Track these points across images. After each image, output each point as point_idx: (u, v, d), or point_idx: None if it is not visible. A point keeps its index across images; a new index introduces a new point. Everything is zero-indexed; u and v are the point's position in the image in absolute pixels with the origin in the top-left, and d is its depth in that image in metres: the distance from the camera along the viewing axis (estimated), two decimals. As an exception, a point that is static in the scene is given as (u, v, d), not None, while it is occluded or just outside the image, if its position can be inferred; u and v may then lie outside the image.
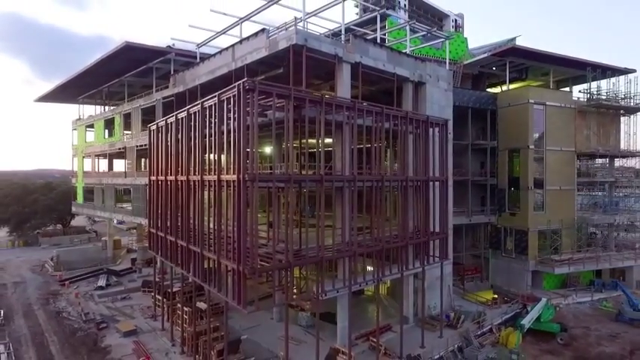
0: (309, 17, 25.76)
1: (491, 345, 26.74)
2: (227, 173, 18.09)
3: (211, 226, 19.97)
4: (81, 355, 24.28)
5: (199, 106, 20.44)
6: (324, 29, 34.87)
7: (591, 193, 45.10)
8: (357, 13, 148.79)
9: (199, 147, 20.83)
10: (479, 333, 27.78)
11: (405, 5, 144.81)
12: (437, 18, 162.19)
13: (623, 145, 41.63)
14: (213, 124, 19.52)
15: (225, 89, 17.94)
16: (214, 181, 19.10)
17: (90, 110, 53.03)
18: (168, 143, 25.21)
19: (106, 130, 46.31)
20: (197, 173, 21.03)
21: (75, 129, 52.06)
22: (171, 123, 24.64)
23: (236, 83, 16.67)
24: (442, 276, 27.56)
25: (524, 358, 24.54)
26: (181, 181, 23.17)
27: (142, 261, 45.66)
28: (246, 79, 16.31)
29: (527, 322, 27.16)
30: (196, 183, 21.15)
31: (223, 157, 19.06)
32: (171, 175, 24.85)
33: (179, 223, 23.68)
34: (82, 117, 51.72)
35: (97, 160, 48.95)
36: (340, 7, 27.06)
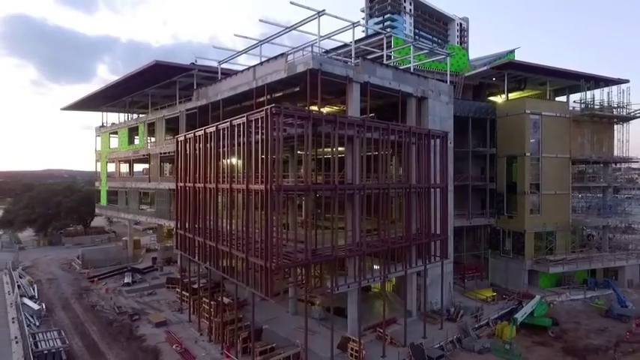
0: (323, 40, 28.56)
1: (487, 337, 29.36)
2: (255, 183, 21.01)
3: (239, 228, 22.88)
4: (120, 342, 27.35)
5: (228, 123, 23.39)
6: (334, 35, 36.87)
7: (593, 195, 47.12)
8: (363, 18, 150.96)
9: (228, 159, 23.77)
10: (476, 326, 30.40)
11: (410, 10, 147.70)
12: (442, 22, 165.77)
13: (616, 152, 43.96)
14: (241, 140, 22.43)
15: (253, 111, 20.88)
16: (243, 189, 22.03)
17: (112, 118, 56.48)
18: (197, 154, 28.16)
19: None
20: (226, 182, 23.98)
21: (98, 135, 55.35)
22: (200, 136, 27.60)
23: (264, 108, 19.61)
24: (442, 274, 30.22)
25: (517, 347, 27.14)
26: (210, 188, 26.13)
27: (163, 260, 48.86)
28: (273, 105, 19.21)
29: (520, 316, 29.73)
30: (225, 190, 24.11)
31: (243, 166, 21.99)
32: (199, 182, 27.82)
33: (207, 226, 26.65)
34: (105, 124, 55.04)
35: (119, 165, 52.20)
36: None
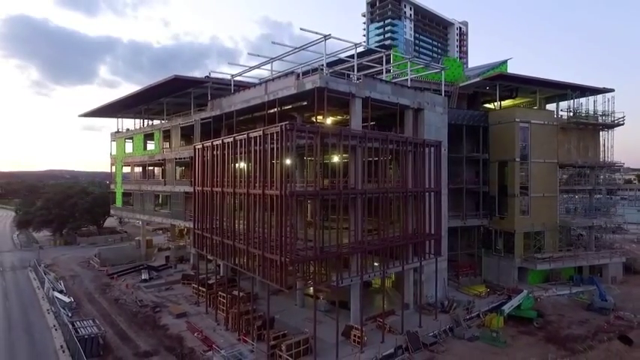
0: (329, 58, 31.62)
1: (477, 327, 32.35)
2: (270, 189, 24.07)
3: (255, 228, 25.93)
4: (146, 330, 30.39)
5: (245, 135, 26.44)
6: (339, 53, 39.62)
7: (580, 197, 49.86)
8: (364, 22, 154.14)
9: (245, 166, 26.82)
10: (468, 317, 33.35)
11: (410, 15, 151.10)
12: (442, 26, 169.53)
13: (606, 157, 46.83)
14: (258, 149, 25.50)
15: (268, 127, 23.95)
16: (259, 194, 25.08)
17: (125, 123, 59.48)
18: (215, 161, 31.19)
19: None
20: (243, 187, 27.05)
21: (114, 140, 58.46)
22: (218, 145, 30.64)
23: (279, 124, 22.66)
24: (437, 270, 33.21)
25: (503, 335, 30.11)
26: (228, 192, 29.18)
27: (176, 258, 51.99)
28: (287, 122, 22.25)
29: (507, 308, 32.76)
30: (242, 195, 27.17)
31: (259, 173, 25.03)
32: (217, 187, 30.87)
33: (224, 226, 29.69)
34: (120, 130, 58.15)
35: (134, 168, 55.29)
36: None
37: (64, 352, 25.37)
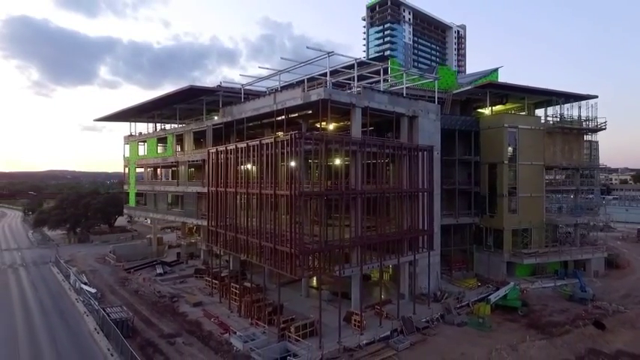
0: (332, 69, 34.90)
1: (466, 314, 35.61)
2: (281, 189, 27.38)
3: (267, 224, 29.25)
4: (167, 317, 33.67)
5: (258, 142, 29.75)
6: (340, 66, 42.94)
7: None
8: (364, 26, 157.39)
9: (257, 169, 30.14)
10: (458, 306, 36.60)
11: (409, 19, 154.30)
12: (440, 30, 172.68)
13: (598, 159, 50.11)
14: (269, 153, 28.81)
15: (279, 135, 27.26)
16: (271, 194, 28.40)
17: (135, 127, 62.75)
18: (229, 164, 34.49)
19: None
20: (256, 188, 30.38)
21: (127, 144, 61.75)
22: (231, 149, 33.94)
23: (289, 133, 25.97)
24: (429, 263, 36.46)
25: (489, 321, 33.36)
26: (241, 192, 32.49)
27: (186, 254, 55.36)
28: (296, 132, 25.56)
29: (493, 297, 36.02)
30: (255, 194, 30.49)
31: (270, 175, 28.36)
32: (230, 187, 34.17)
33: (238, 223, 32.99)
34: (133, 133, 61.46)
35: (148, 170, 58.61)
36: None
37: (98, 333, 28.70)
